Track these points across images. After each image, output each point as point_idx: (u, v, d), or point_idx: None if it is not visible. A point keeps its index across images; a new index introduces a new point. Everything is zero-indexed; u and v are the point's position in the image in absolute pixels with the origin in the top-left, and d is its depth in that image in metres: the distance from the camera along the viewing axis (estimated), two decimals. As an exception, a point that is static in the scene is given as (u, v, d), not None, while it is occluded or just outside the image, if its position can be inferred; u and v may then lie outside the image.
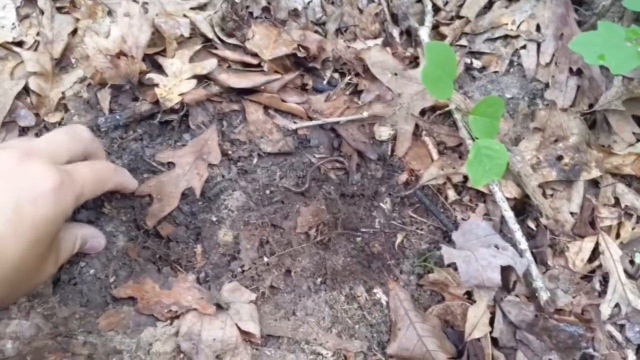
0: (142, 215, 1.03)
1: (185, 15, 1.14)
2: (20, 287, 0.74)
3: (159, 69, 1.14)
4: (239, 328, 1.00)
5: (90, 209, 1.01)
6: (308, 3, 1.23)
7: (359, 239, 1.12)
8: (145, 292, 0.99)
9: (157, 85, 1.10)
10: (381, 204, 1.15)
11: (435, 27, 1.25)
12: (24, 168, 0.70)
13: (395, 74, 1.19)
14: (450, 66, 1.02)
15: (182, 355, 0.99)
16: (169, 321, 1.00)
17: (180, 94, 1.09)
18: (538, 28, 1.22)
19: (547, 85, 1.19)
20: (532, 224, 1.14)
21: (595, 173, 1.14)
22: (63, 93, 1.10)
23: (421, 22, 1.24)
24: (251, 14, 1.22)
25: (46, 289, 0.96)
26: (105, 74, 1.09)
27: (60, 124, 1.09)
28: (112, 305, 0.98)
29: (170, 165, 1.09)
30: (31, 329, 0.92)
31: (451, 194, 1.14)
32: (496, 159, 1.02)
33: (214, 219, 1.09)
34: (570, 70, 1.19)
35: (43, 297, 0.95)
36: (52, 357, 0.91)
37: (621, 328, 1.09)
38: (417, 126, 1.17)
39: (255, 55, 1.16)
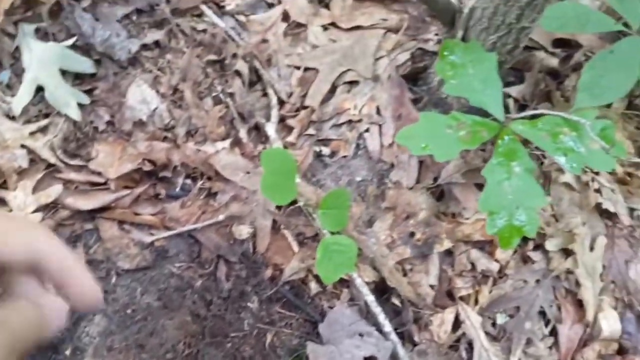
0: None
1: (22, 145, 1.12)
2: None
3: (2, 202, 1.10)
4: None
5: None
6: (153, 110, 1.23)
7: (228, 345, 1.11)
8: None
9: None
10: (248, 303, 1.15)
11: (282, 119, 1.27)
12: None
13: (248, 172, 1.20)
14: (289, 169, 1.04)
15: None
16: None
17: (23, 230, 1.06)
18: (378, 110, 1.27)
19: (392, 165, 1.23)
20: (396, 301, 1.17)
21: (447, 244, 1.19)
22: None
23: (268, 118, 1.26)
24: (96, 128, 1.21)
25: None
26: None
27: None
28: None
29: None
30: None
31: (313, 286, 1.15)
32: (346, 252, 1.04)
33: (75, 348, 1.06)
34: (412, 148, 1.24)
35: None
36: None
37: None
38: (275, 221, 1.19)
39: (100, 174, 1.15)
